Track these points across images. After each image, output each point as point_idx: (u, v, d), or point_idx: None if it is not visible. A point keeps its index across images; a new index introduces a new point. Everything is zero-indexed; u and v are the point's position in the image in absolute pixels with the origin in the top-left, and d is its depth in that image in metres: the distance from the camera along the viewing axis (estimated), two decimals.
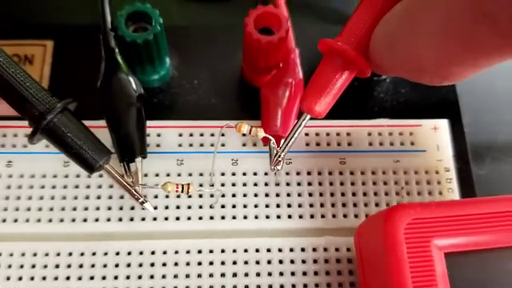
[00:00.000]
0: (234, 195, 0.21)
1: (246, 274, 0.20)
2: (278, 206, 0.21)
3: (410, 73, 0.16)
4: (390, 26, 0.16)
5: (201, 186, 0.21)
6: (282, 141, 0.20)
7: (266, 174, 0.22)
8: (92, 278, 0.20)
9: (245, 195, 0.21)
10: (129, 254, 0.20)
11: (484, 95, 0.26)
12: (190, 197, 0.21)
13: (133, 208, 0.21)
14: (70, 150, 0.18)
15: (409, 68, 0.16)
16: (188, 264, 0.20)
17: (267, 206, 0.21)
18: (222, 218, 0.21)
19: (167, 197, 0.21)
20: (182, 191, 0.19)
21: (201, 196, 0.21)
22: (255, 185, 0.21)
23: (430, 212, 0.17)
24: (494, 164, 0.25)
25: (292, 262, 0.20)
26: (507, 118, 0.26)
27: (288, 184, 0.22)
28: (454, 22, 0.14)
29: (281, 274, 0.20)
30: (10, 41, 0.24)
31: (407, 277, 0.16)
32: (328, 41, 0.18)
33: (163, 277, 0.20)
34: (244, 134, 0.20)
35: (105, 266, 0.20)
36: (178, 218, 0.21)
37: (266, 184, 0.21)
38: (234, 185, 0.21)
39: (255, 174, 0.22)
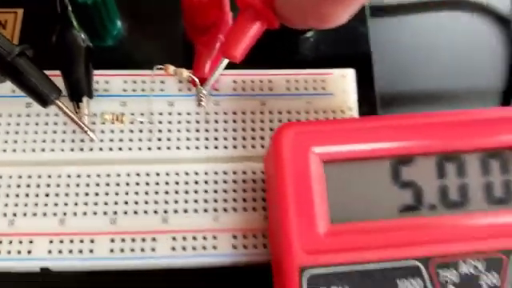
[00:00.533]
0: (169, 130, 0.25)
1: (176, 192, 0.24)
2: (206, 139, 0.25)
3: (299, 19, 0.20)
4: None
5: (141, 123, 0.25)
6: None
7: (197, 113, 0.26)
8: (47, 195, 0.24)
9: (178, 130, 0.25)
10: (78, 176, 0.24)
11: (398, 50, 0.30)
12: (131, 131, 0.25)
13: (82, 140, 0.25)
14: (27, 86, 0.22)
15: (297, 15, 0.20)
16: (127, 184, 0.24)
17: (197, 139, 0.25)
18: (158, 148, 0.25)
19: (112, 132, 0.25)
20: (117, 120, 0.23)
21: (141, 131, 0.25)
22: (188, 122, 0.25)
23: (310, 127, 0.21)
24: (400, 110, 0.29)
25: (215, 182, 0.24)
26: (419, 72, 0.30)
27: (216, 121, 0.26)
28: None
29: (205, 191, 0.24)
30: None
31: (287, 180, 0.20)
32: None
33: (106, 194, 0.24)
34: (180, 81, 0.25)
35: (57, 185, 0.24)
36: (120, 149, 0.25)
37: (198, 122, 0.25)
38: (169, 122, 0.25)
39: (188, 113, 0.26)
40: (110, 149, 0.25)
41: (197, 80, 0.24)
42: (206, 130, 0.25)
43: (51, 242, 0.23)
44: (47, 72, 0.24)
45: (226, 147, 0.25)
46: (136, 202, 0.24)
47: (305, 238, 0.19)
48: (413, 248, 0.19)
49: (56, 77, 0.25)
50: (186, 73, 0.24)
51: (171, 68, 0.24)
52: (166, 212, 0.23)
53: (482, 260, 0.19)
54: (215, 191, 0.24)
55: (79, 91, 0.24)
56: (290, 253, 0.19)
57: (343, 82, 0.26)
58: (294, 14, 0.21)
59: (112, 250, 0.23)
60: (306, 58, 0.28)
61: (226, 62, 0.23)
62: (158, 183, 0.24)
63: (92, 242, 0.23)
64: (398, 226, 0.20)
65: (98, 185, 0.24)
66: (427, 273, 0.19)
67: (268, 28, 0.23)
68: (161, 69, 0.24)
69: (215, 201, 0.24)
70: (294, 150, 0.20)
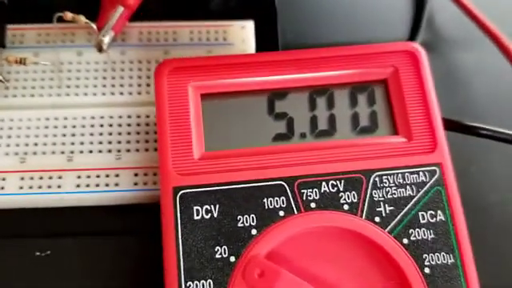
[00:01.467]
0: (77, 78, 0.27)
1: (82, 134, 0.26)
2: (112, 85, 0.27)
3: None
4: None
5: (52, 72, 0.27)
6: None
7: (105, 63, 0.27)
8: None
9: (86, 78, 0.27)
10: None
11: (306, 5, 0.32)
12: (42, 80, 0.27)
13: None
14: None
15: None
16: (37, 128, 0.26)
17: (104, 86, 0.27)
18: (67, 94, 0.27)
19: (25, 80, 0.27)
20: (21, 62, 0.25)
21: (52, 79, 0.27)
22: (95, 71, 0.27)
23: (189, 62, 0.22)
24: None
25: (119, 125, 0.26)
26: (324, 25, 0.32)
27: (122, 70, 0.27)
28: None
29: (109, 133, 0.26)
30: None
31: (166, 114, 0.21)
32: None
33: (18, 136, 0.26)
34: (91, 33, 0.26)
35: None
36: (32, 95, 0.26)
37: (105, 70, 0.27)
38: (78, 71, 0.27)
39: (96, 63, 0.27)
40: (23, 95, 0.26)
41: (94, 26, 0.26)
42: (113, 78, 0.27)
43: None
44: None
45: (130, 93, 0.27)
46: (45, 144, 0.25)
47: (179, 161, 0.21)
48: (279, 169, 0.21)
49: None
50: (83, 18, 0.25)
51: (69, 15, 0.25)
52: (71, 152, 0.25)
53: (342, 180, 0.21)
54: (119, 133, 0.26)
55: None
56: (165, 175, 0.21)
57: (242, 33, 0.28)
58: None
59: (21, 187, 0.25)
60: (212, 12, 0.29)
61: (121, 9, 0.25)
62: (65, 126, 0.26)
63: (3, 180, 0.25)
64: (268, 151, 0.21)
65: (10, 128, 0.26)
66: (291, 191, 0.21)
67: None
68: (61, 16, 0.25)
69: (119, 142, 0.26)
70: (172, 84, 0.22)
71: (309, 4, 0.32)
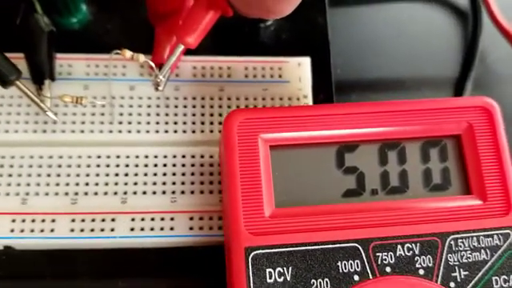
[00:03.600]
0: (130, 114, 0.25)
1: (136, 174, 0.24)
2: (166, 122, 0.25)
3: (246, 10, 0.21)
4: None
5: (103, 106, 0.25)
6: None
7: (158, 98, 0.26)
8: (10, 175, 0.24)
9: (139, 114, 0.25)
10: (40, 157, 0.24)
11: (356, 40, 0.31)
12: (93, 114, 0.25)
13: (46, 122, 0.25)
14: None
15: (243, 6, 0.20)
16: (88, 166, 0.24)
17: (157, 123, 0.25)
18: (119, 131, 0.25)
19: (74, 114, 0.25)
20: (76, 102, 0.23)
21: (103, 114, 0.25)
22: (148, 106, 0.26)
23: (259, 114, 0.21)
24: (360, 99, 0.29)
25: (174, 165, 0.25)
26: (375, 61, 0.31)
27: (176, 106, 0.26)
28: None
29: (164, 174, 0.25)
30: None
31: (236, 164, 0.20)
32: None
33: (68, 175, 0.24)
34: (141, 66, 0.25)
35: (21, 166, 0.24)
36: (82, 131, 0.25)
37: (158, 106, 0.26)
38: (130, 106, 0.26)
39: (149, 98, 0.26)
40: (72, 131, 0.25)
41: (153, 65, 0.24)
42: (166, 115, 0.26)
43: (14, 221, 0.23)
44: (10, 54, 0.24)
45: (184, 131, 0.25)
46: (96, 184, 0.24)
47: (251, 219, 0.19)
48: (353, 231, 0.20)
49: (19, 59, 0.25)
50: (142, 57, 0.24)
51: (128, 53, 0.24)
52: (125, 193, 0.24)
53: (418, 243, 0.20)
54: (173, 174, 0.24)
55: (41, 74, 0.24)
56: (236, 233, 0.19)
57: (299, 70, 0.27)
58: (241, 6, 0.21)
59: (72, 230, 0.23)
60: (266, 46, 0.28)
61: (181, 47, 0.23)
62: (118, 165, 0.24)
63: (53, 221, 0.23)
64: (340, 209, 0.20)
65: (59, 166, 0.24)
66: (366, 254, 0.20)
67: (223, 15, 0.23)
68: (118, 53, 0.24)
69: (173, 183, 0.24)
70: (242, 136, 0.21)
71: (359, 38, 0.31)
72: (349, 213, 0.20)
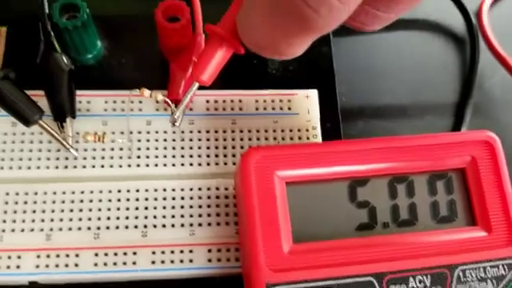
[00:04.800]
0: (147, 148, 0.26)
1: (155, 207, 0.25)
2: (182, 156, 0.26)
3: (258, 51, 0.21)
4: (238, 18, 0.21)
5: (122, 141, 0.26)
6: None
7: (173, 132, 0.27)
8: (34, 211, 0.25)
9: (156, 148, 0.26)
10: (63, 193, 0.25)
11: (360, 69, 0.32)
12: (112, 149, 0.26)
13: (67, 158, 0.25)
14: (10, 107, 0.23)
15: (255, 48, 0.21)
16: (109, 200, 0.25)
17: (173, 157, 0.26)
18: (138, 165, 0.26)
19: (94, 150, 0.26)
20: (99, 140, 0.24)
21: (121, 149, 0.26)
22: (164, 140, 0.26)
23: (274, 151, 0.22)
24: (366, 126, 0.30)
25: (191, 198, 0.25)
26: (378, 89, 0.31)
27: (190, 140, 0.26)
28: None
29: (182, 207, 0.25)
30: None
31: (254, 201, 0.21)
32: (210, 26, 0.23)
33: (89, 210, 0.25)
34: (157, 101, 0.26)
35: (44, 202, 0.25)
36: (102, 166, 0.26)
37: (173, 140, 0.26)
38: (147, 140, 0.26)
39: (165, 132, 0.26)
40: (93, 166, 0.25)
41: (170, 103, 0.25)
42: (182, 148, 0.26)
43: (38, 256, 0.24)
44: (31, 92, 0.25)
45: (200, 164, 0.26)
46: (117, 218, 0.25)
47: (270, 256, 0.20)
48: (367, 265, 0.21)
49: (40, 97, 0.25)
50: (160, 96, 0.25)
51: (147, 92, 0.24)
52: (145, 227, 0.24)
53: (429, 275, 0.21)
54: (191, 206, 0.25)
55: (63, 112, 0.25)
56: (256, 270, 0.20)
57: (307, 102, 0.28)
58: (254, 48, 0.21)
59: (96, 264, 0.24)
60: (274, 77, 0.29)
61: (196, 85, 0.24)
62: (137, 199, 0.25)
63: (77, 256, 0.24)
64: (355, 244, 0.21)
65: (81, 201, 0.25)
66: (380, 287, 0.20)
67: (235, 53, 0.24)
68: (137, 92, 0.24)
69: (191, 216, 0.25)
70: (259, 173, 0.21)
71: (362, 66, 0.32)
72: (363, 247, 0.21)
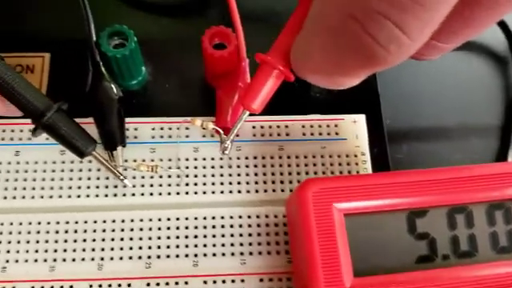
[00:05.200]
0: (195, 175, 0.26)
1: (205, 236, 0.25)
2: (229, 183, 0.26)
3: (314, 81, 0.21)
4: (294, 46, 0.21)
5: (169, 168, 0.26)
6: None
7: (220, 159, 0.26)
8: (84, 240, 0.25)
9: (204, 175, 0.26)
10: (113, 221, 0.25)
11: (403, 93, 0.31)
12: (160, 177, 0.26)
13: (116, 186, 0.25)
14: (65, 140, 0.23)
15: (311, 79, 0.21)
16: (159, 229, 0.25)
17: (221, 184, 0.26)
18: (186, 193, 0.26)
19: (143, 177, 0.26)
20: (152, 170, 0.24)
21: (169, 176, 0.26)
22: (212, 167, 0.26)
23: (332, 183, 0.21)
24: (411, 149, 0.30)
25: (240, 226, 0.25)
26: (422, 111, 0.31)
27: (238, 166, 0.26)
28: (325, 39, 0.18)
29: (231, 235, 0.25)
30: (15, 53, 0.29)
31: (313, 233, 0.21)
32: (260, 55, 0.23)
33: (140, 239, 0.25)
34: (204, 129, 0.25)
35: (94, 231, 0.25)
36: (151, 194, 0.25)
37: (221, 167, 0.26)
38: (195, 167, 0.26)
39: (212, 159, 0.26)
40: (142, 194, 0.25)
41: (221, 131, 0.25)
42: (230, 175, 0.26)
43: (91, 286, 0.24)
44: (79, 120, 0.25)
45: (248, 191, 0.26)
46: (168, 246, 0.24)
47: None
48: None
49: (88, 124, 0.25)
50: (211, 125, 0.25)
51: (198, 121, 0.24)
52: (195, 256, 0.24)
53: None
54: (240, 235, 0.25)
55: (113, 141, 0.25)
56: None
57: (355, 127, 0.27)
58: (310, 79, 0.21)
59: None
60: (317, 101, 0.28)
61: (246, 114, 0.24)
62: (187, 227, 0.25)
63: (129, 286, 0.24)
64: (416, 277, 0.21)
65: (131, 230, 0.25)
66: None
67: (285, 80, 0.24)
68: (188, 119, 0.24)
69: (241, 244, 0.25)
70: (317, 205, 0.21)
71: (406, 89, 0.31)
72: (424, 280, 0.21)
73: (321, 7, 0.17)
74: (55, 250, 0.24)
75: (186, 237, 0.25)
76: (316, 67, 0.20)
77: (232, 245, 0.25)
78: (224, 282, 0.24)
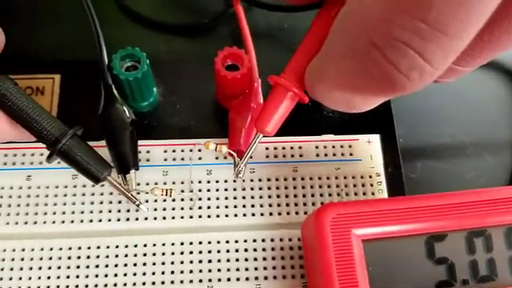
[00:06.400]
0: (208, 198, 0.26)
1: (219, 260, 0.25)
2: (243, 206, 0.26)
3: (329, 104, 0.21)
4: (311, 69, 0.21)
5: (182, 191, 0.26)
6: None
7: (234, 181, 0.26)
8: (97, 266, 0.24)
9: (217, 198, 0.26)
10: (126, 246, 0.25)
11: (416, 111, 0.31)
12: (173, 200, 0.26)
13: (128, 210, 0.25)
14: (80, 166, 0.23)
15: (327, 102, 0.21)
16: (173, 253, 0.25)
17: (235, 207, 0.26)
18: (200, 216, 0.26)
19: (156, 201, 0.26)
20: (166, 194, 0.24)
21: (182, 200, 0.26)
22: (225, 190, 0.26)
23: (349, 209, 0.21)
24: (424, 168, 0.30)
25: (255, 249, 0.25)
26: (436, 129, 0.31)
27: (252, 189, 0.26)
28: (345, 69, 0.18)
29: (246, 259, 0.25)
30: (25, 75, 0.29)
31: (332, 260, 0.21)
32: (274, 77, 0.23)
33: (153, 264, 0.25)
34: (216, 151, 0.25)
35: (107, 256, 0.25)
36: (164, 218, 0.25)
37: (234, 189, 0.26)
38: (208, 190, 0.26)
39: (226, 181, 0.26)
40: (155, 218, 0.25)
41: (235, 154, 0.25)
42: (243, 197, 0.26)
43: None
44: (92, 143, 0.25)
45: (262, 214, 0.26)
46: (182, 271, 0.24)
47: None
48: None
49: (100, 148, 0.25)
50: (225, 149, 0.25)
51: (212, 145, 0.24)
52: (210, 281, 0.24)
53: None
54: (255, 259, 0.25)
55: (126, 164, 0.25)
56: None
57: (369, 148, 0.27)
58: (325, 102, 0.21)
59: None
60: (329, 120, 0.28)
61: (260, 136, 0.24)
62: (201, 252, 0.25)
63: None
64: None
65: (144, 255, 0.25)
66: None
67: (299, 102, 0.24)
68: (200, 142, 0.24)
69: (256, 269, 0.25)
70: (335, 231, 0.21)
71: (419, 107, 0.31)
72: None
73: (341, 33, 0.17)
74: (67, 277, 0.24)
75: (200, 261, 0.25)
76: (333, 91, 0.20)
77: (247, 269, 0.24)
78: None
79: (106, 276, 0.24)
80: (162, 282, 0.24)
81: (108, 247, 0.24)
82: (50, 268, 0.24)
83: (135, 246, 0.25)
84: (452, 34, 0.15)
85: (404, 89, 0.17)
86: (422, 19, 0.15)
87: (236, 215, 0.25)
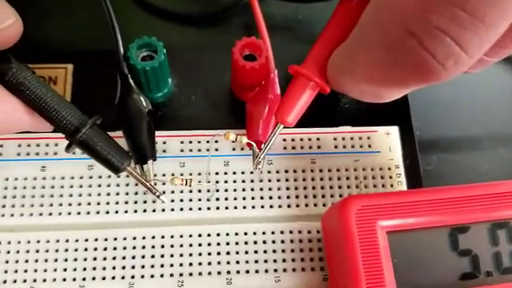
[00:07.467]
0: (226, 190, 0.26)
1: (237, 252, 0.25)
2: (261, 198, 0.26)
3: (354, 95, 0.21)
4: (337, 59, 0.20)
5: (199, 182, 0.26)
6: (262, 145, 0.24)
7: (251, 172, 0.26)
8: (114, 258, 0.24)
9: (235, 190, 0.26)
10: (143, 238, 0.25)
11: (432, 103, 0.31)
12: (190, 192, 0.26)
13: (145, 202, 0.25)
14: (99, 156, 0.23)
15: (354, 93, 0.21)
16: (191, 245, 0.25)
17: (253, 198, 0.26)
18: (217, 208, 0.26)
19: (173, 192, 0.26)
20: (186, 184, 0.24)
21: (199, 191, 0.26)
22: (243, 181, 0.26)
23: (374, 200, 0.21)
24: (440, 160, 0.30)
25: (273, 242, 0.25)
26: (452, 121, 0.31)
27: (269, 180, 0.26)
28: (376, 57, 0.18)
29: (264, 251, 0.25)
30: (38, 65, 0.28)
31: (357, 252, 0.21)
32: (295, 66, 0.23)
33: (171, 256, 0.25)
34: (233, 141, 0.25)
35: (124, 248, 0.25)
36: (181, 209, 0.25)
37: (252, 181, 0.26)
38: (226, 182, 0.26)
39: (243, 173, 0.26)
40: (172, 209, 0.25)
41: (254, 145, 0.25)
42: (261, 189, 0.26)
43: None
44: (110, 133, 0.25)
45: (280, 206, 0.26)
46: (200, 263, 0.24)
47: None
48: None
49: (117, 138, 0.25)
50: (244, 139, 0.24)
51: (232, 136, 0.24)
52: (228, 273, 0.24)
53: None
54: (274, 251, 0.25)
55: (144, 155, 0.25)
56: None
57: (388, 139, 0.27)
58: (354, 94, 0.21)
59: None
60: (346, 111, 0.28)
61: (281, 127, 0.24)
62: (219, 243, 0.25)
63: None
64: None
65: (162, 246, 0.25)
66: None
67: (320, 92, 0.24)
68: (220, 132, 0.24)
69: (275, 261, 0.25)
70: (359, 223, 0.21)
71: (435, 100, 0.31)
72: None
73: (373, 23, 0.17)
74: (84, 269, 0.24)
75: (219, 253, 0.24)
76: (360, 80, 0.20)
77: (265, 261, 0.24)
78: None
79: (124, 268, 0.24)
80: (180, 274, 0.24)
81: (125, 239, 0.24)
82: (66, 260, 0.24)
83: (152, 237, 0.24)
84: (489, 23, 0.15)
85: (438, 78, 0.17)
86: (460, 7, 0.14)
87: (254, 207, 0.25)
